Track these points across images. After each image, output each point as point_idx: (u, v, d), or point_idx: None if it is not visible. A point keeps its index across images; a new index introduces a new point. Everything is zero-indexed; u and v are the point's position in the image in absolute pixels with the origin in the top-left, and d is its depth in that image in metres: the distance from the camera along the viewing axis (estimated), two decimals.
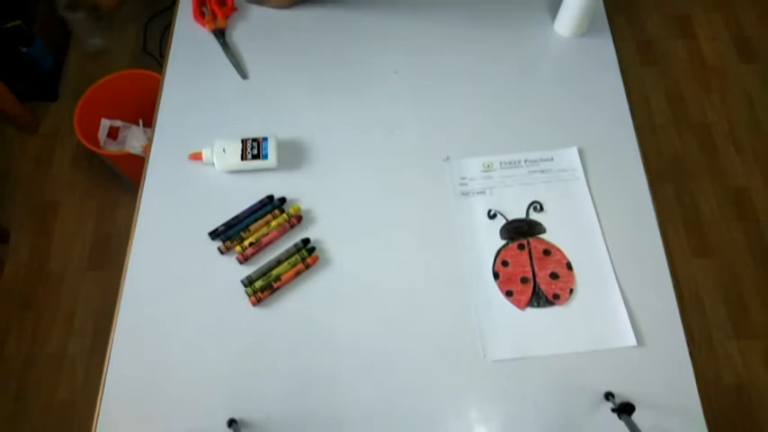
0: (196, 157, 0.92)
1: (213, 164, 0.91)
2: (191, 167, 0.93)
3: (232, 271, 0.86)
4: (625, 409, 0.73)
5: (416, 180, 0.92)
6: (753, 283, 1.69)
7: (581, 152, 0.93)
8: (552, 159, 0.93)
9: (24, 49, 1.79)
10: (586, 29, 1.03)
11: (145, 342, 0.82)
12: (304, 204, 0.90)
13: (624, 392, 0.77)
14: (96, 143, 1.66)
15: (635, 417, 0.72)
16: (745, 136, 1.90)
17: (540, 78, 1.00)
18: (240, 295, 0.84)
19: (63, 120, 1.91)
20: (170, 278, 0.85)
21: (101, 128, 1.69)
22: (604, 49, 1.03)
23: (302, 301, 0.84)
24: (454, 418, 0.77)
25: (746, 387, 1.56)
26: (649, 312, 0.82)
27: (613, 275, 0.84)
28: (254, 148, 0.90)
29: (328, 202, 0.90)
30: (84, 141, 1.57)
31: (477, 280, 0.84)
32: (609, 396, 0.76)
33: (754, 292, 1.67)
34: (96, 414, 0.78)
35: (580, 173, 0.91)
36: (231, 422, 0.75)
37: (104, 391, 0.79)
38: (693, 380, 0.78)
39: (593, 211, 0.88)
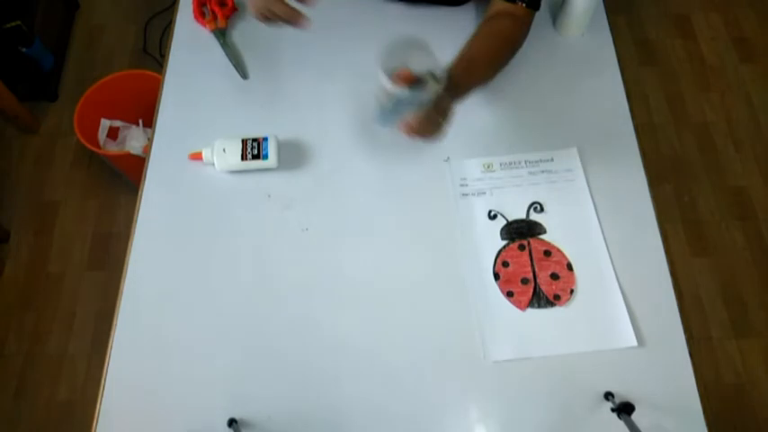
0: (196, 157, 0.92)
1: (213, 164, 0.91)
2: (191, 167, 0.93)
3: (232, 271, 0.86)
4: (625, 409, 0.73)
5: (417, 181, 0.92)
6: (752, 282, 1.69)
7: (581, 152, 0.93)
8: (552, 160, 0.93)
9: (24, 50, 1.79)
10: (586, 29, 1.03)
11: (145, 342, 0.82)
12: (304, 205, 0.90)
13: (624, 392, 0.77)
14: (96, 143, 1.66)
15: (635, 417, 0.73)
16: (744, 135, 1.90)
17: (540, 78, 1.00)
18: (240, 296, 0.84)
19: (63, 120, 1.91)
20: (170, 278, 0.86)
21: (101, 128, 1.69)
22: (604, 49, 1.03)
23: (303, 300, 0.84)
24: (455, 418, 0.77)
25: (746, 387, 1.57)
26: (649, 312, 0.82)
27: (614, 276, 0.84)
28: (254, 148, 0.90)
29: (329, 203, 0.90)
30: (84, 141, 1.57)
31: (477, 281, 0.84)
32: (609, 396, 0.77)
33: (754, 291, 1.68)
34: (96, 414, 0.78)
35: (580, 173, 0.91)
36: (231, 422, 0.75)
37: (104, 391, 0.79)
38: (693, 379, 0.78)
39: (594, 212, 0.88)
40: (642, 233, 0.87)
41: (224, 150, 0.90)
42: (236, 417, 0.76)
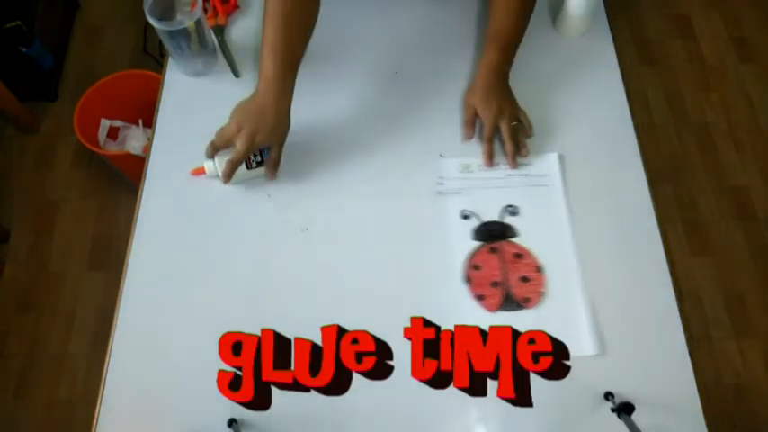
0: (198, 172, 0.90)
1: (218, 176, 0.89)
2: (190, 166, 0.93)
3: (231, 271, 0.86)
4: (625, 409, 0.73)
5: (417, 180, 0.92)
6: (752, 282, 1.69)
7: (562, 158, 0.93)
8: (531, 164, 0.92)
9: (24, 50, 1.79)
10: (586, 29, 1.03)
11: (145, 342, 0.82)
12: (304, 205, 0.90)
13: (624, 392, 0.77)
14: (96, 143, 1.66)
15: (635, 417, 0.73)
16: (744, 135, 1.90)
17: (541, 78, 1.00)
18: (239, 295, 0.84)
19: (63, 120, 1.91)
20: (170, 278, 0.86)
21: (101, 128, 1.69)
22: (604, 49, 1.03)
23: (303, 300, 0.84)
24: (455, 418, 0.78)
25: (746, 387, 1.57)
26: (649, 312, 0.82)
27: (580, 283, 0.83)
28: (256, 155, 0.89)
29: (329, 203, 0.90)
30: (84, 141, 1.56)
31: (448, 282, 0.84)
32: (609, 396, 0.77)
33: (754, 291, 1.68)
34: (96, 414, 0.78)
35: (558, 179, 0.91)
36: (231, 422, 0.75)
37: (104, 391, 0.79)
38: (693, 379, 0.78)
39: (567, 218, 0.88)
40: (642, 233, 0.87)
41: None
42: (236, 417, 0.76)
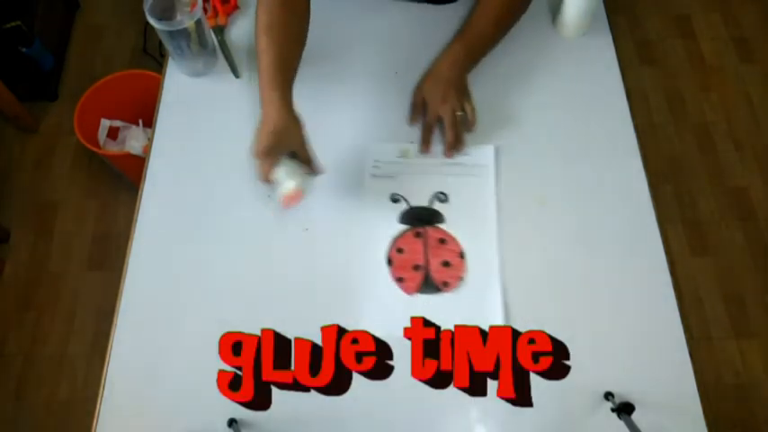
0: (295, 197, 0.82)
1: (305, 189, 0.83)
2: (190, 166, 0.93)
3: (232, 271, 0.86)
4: (625, 409, 0.73)
5: None
6: (752, 282, 1.69)
7: (498, 150, 0.93)
8: (468, 155, 0.93)
9: (24, 50, 1.79)
10: (586, 29, 1.03)
11: (145, 342, 0.82)
12: (305, 205, 0.90)
13: (624, 392, 0.77)
14: (96, 143, 1.66)
15: (635, 417, 0.73)
16: (744, 135, 1.90)
17: (540, 78, 1.00)
18: (239, 295, 0.84)
19: (63, 120, 1.91)
20: (170, 278, 0.86)
21: (101, 128, 1.69)
22: (604, 49, 1.03)
23: (303, 299, 0.84)
24: (455, 417, 0.78)
25: (746, 387, 1.57)
26: (649, 312, 0.82)
27: (498, 272, 0.84)
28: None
29: (329, 203, 0.90)
30: (84, 141, 1.57)
31: (370, 264, 0.85)
32: (609, 396, 0.77)
33: (754, 291, 1.68)
34: (96, 414, 0.78)
35: (491, 171, 0.92)
36: (231, 422, 0.75)
37: (104, 391, 0.79)
38: (693, 379, 0.78)
39: (494, 209, 0.89)
40: (642, 233, 0.87)
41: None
42: (236, 417, 0.76)
